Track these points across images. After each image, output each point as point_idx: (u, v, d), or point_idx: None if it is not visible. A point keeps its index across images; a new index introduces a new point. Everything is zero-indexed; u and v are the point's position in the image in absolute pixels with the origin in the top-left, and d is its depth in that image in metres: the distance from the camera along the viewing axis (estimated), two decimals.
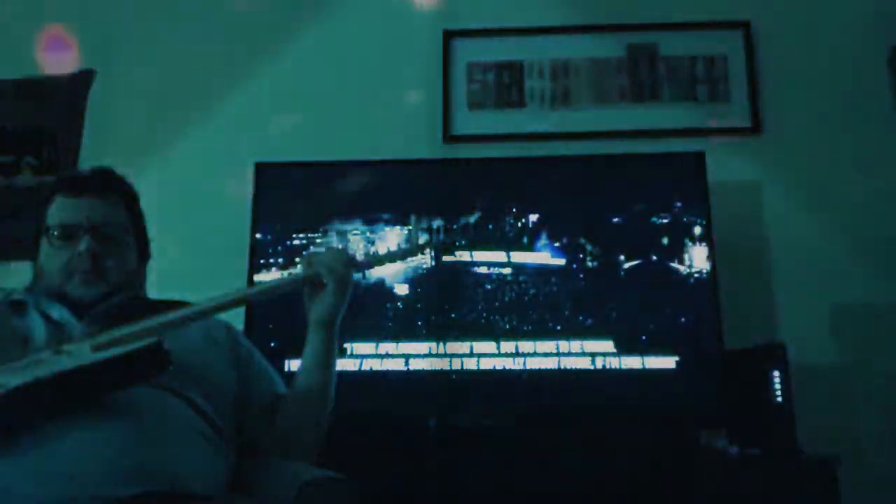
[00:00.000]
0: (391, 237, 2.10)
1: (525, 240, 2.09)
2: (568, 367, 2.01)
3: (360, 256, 1.46)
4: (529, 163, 2.27)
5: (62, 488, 0.99)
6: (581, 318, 2.04)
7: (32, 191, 2.46)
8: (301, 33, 2.54)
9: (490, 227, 2.09)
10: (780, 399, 1.82)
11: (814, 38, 2.41)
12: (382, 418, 1.97)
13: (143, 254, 1.46)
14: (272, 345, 1.95)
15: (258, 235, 2.13)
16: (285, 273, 2.08)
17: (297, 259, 2.08)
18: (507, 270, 2.08)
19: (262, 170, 2.19)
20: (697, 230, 2.06)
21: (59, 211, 1.36)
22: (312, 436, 1.34)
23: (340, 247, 1.43)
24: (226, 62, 2.54)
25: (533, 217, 2.10)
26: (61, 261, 1.33)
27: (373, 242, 2.10)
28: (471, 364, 2.02)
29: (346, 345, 2.02)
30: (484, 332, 2.04)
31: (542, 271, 2.07)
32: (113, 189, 1.40)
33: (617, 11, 2.47)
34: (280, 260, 2.11)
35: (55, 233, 1.34)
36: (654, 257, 2.06)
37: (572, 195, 2.13)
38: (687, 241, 2.06)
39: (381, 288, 2.07)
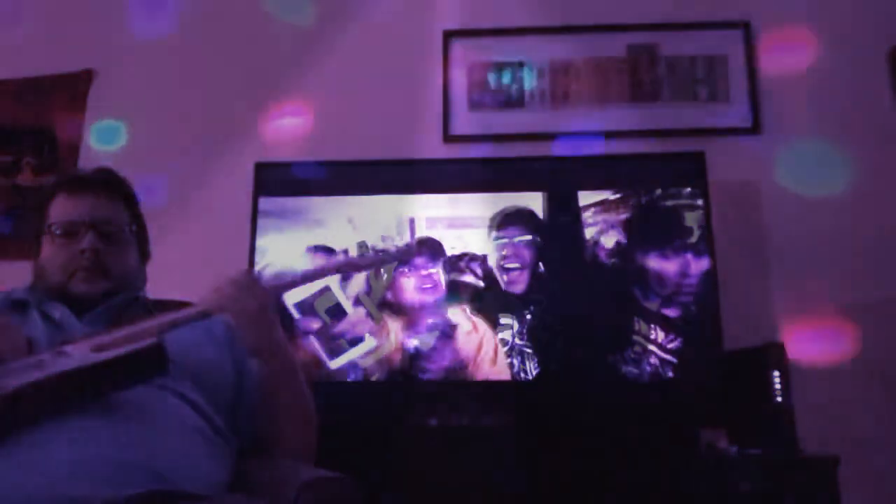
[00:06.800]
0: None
1: None
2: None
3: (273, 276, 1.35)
4: (529, 163, 2.27)
5: (62, 489, 0.98)
6: None
7: (32, 191, 2.46)
8: (300, 33, 2.54)
9: None
10: (780, 399, 1.82)
11: (814, 38, 2.41)
12: (382, 418, 1.96)
13: (144, 254, 1.46)
14: None
15: (258, 235, 2.13)
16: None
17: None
18: None
19: (262, 170, 2.19)
20: (697, 230, 2.06)
21: (61, 208, 1.35)
22: (296, 443, 1.32)
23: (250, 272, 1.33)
24: (226, 62, 2.54)
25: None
26: (63, 258, 1.32)
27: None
28: None
29: None
30: None
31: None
32: (114, 189, 1.40)
33: (617, 11, 2.47)
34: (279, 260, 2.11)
35: (57, 230, 1.33)
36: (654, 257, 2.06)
37: (572, 195, 2.13)
38: (687, 240, 2.06)
39: None
